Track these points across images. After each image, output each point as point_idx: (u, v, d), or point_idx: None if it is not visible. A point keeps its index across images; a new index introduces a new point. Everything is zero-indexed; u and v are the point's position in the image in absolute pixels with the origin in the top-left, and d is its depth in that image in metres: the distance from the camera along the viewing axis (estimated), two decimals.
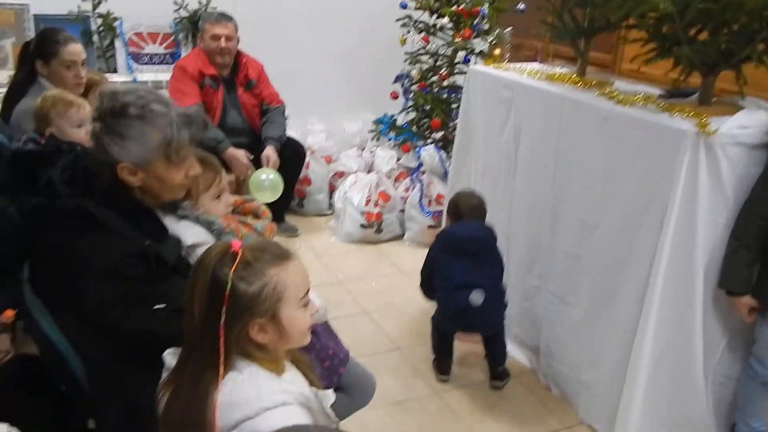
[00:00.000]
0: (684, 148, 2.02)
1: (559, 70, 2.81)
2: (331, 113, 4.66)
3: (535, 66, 2.96)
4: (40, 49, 2.68)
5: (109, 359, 1.54)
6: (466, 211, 2.68)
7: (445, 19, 4.05)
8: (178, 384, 1.27)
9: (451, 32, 4.09)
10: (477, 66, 3.14)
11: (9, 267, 1.86)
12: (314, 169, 4.29)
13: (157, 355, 1.37)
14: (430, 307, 3.29)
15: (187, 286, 1.25)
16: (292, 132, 4.06)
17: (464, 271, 2.56)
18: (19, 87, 2.69)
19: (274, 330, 1.25)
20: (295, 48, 4.51)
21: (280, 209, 3.87)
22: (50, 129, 2.19)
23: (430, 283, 2.75)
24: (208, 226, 1.69)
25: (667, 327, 2.16)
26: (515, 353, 2.90)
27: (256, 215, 1.89)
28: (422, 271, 2.79)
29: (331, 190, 4.37)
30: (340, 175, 4.36)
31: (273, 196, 3.42)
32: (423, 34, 4.16)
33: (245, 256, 1.23)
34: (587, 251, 2.43)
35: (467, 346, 2.90)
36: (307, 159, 4.15)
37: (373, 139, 4.61)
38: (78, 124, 2.21)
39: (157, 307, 1.50)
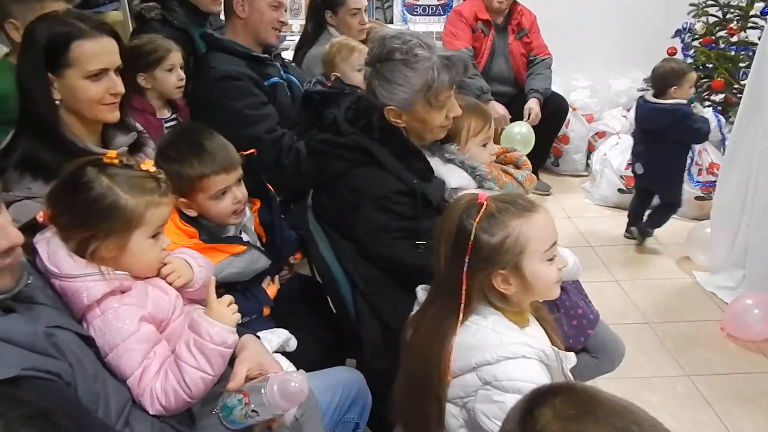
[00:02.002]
0: None
1: None
2: (598, 69, 4.43)
3: None
4: (329, 0, 2.92)
5: (372, 285, 1.69)
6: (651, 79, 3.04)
7: None
8: (422, 321, 1.35)
9: None
10: None
11: (294, 194, 2.12)
12: (574, 128, 4.15)
13: (412, 286, 1.46)
14: (689, 284, 3.06)
15: (435, 232, 1.31)
16: (554, 87, 3.94)
17: (635, 142, 3.25)
18: (309, 35, 2.97)
19: (517, 281, 1.26)
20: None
21: (533, 165, 3.80)
22: (335, 73, 2.40)
23: None
24: (472, 171, 1.73)
25: None
26: None
27: (517, 165, 1.89)
28: None
29: (590, 150, 4.20)
30: (601, 135, 4.16)
31: (524, 151, 3.37)
32: None
33: (490, 208, 1.24)
34: None
35: (738, 343, 2.65)
36: (567, 116, 4.01)
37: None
38: (359, 69, 2.39)
39: (418, 242, 1.60)
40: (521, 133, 3.35)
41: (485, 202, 1.25)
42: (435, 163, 1.73)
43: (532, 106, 3.65)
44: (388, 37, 1.64)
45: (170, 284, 1.26)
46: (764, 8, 3.58)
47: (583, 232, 3.56)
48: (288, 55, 3.00)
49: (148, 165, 1.26)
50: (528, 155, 3.40)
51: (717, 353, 2.59)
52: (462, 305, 1.26)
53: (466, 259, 1.23)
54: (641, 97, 3.20)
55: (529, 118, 3.55)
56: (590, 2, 4.39)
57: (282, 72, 2.45)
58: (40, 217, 1.20)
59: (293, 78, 2.49)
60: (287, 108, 2.37)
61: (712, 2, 3.80)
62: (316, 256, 1.77)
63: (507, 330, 1.27)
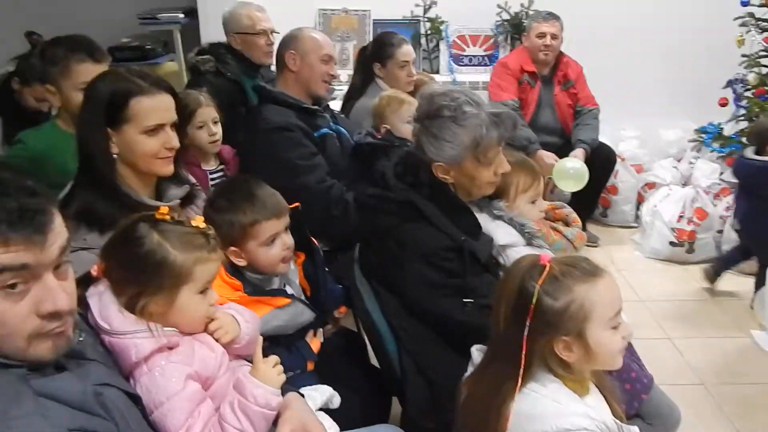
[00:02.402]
0: None
1: None
2: (647, 119, 4.36)
3: None
4: (377, 53, 2.97)
5: (418, 342, 1.66)
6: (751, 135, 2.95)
7: None
8: (479, 383, 1.31)
9: None
10: None
11: (342, 245, 2.12)
12: (623, 178, 4.08)
13: (462, 345, 1.43)
14: (746, 343, 2.93)
15: (496, 292, 1.29)
16: (603, 137, 3.90)
17: (735, 196, 3.21)
18: (358, 87, 3.02)
19: (580, 349, 1.21)
20: (616, 47, 4.30)
21: (581, 216, 3.73)
22: (385, 125, 2.42)
23: None
24: (521, 228, 1.72)
25: None
26: None
27: (567, 222, 1.86)
28: None
29: (639, 201, 4.12)
30: (651, 186, 4.08)
31: (576, 186, 3.32)
32: (766, 35, 3.66)
33: (553, 271, 1.21)
34: None
35: None
36: (616, 167, 3.96)
37: (693, 149, 4.21)
38: (408, 121, 2.40)
39: (466, 300, 1.58)
40: (575, 168, 3.30)
41: (548, 264, 1.22)
42: (483, 219, 1.72)
43: (581, 155, 3.61)
44: (436, 94, 1.66)
45: (217, 340, 1.27)
46: None
47: (633, 286, 3.45)
48: (336, 105, 3.06)
49: (199, 221, 1.28)
50: (575, 206, 3.37)
51: None
52: (521, 370, 1.21)
53: (528, 323, 1.20)
54: (740, 153, 3.14)
55: None
56: (639, 52, 4.36)
57: (331, 123, 2.48)
58: (94, 270, 1.22)
59: (342, 129, 2.53)
60: (337, 159, 2.40)
61: (765, 53, 3.74)
62: (362, 310, 1.76)
63: (567, 399, 1.22)
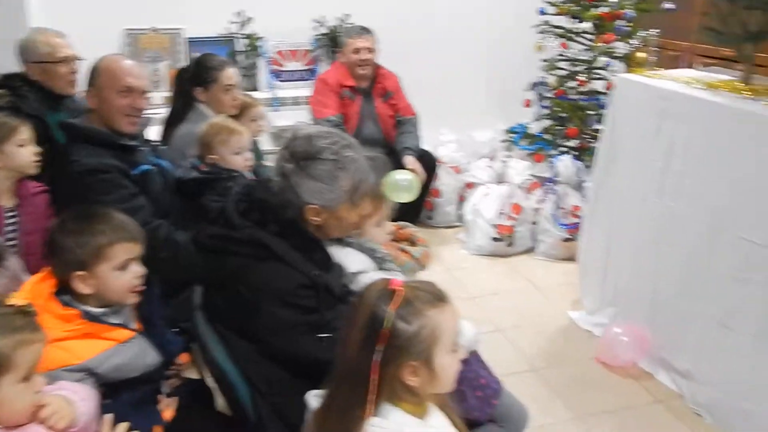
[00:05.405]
0: None
1: (718, 77, 2.62)
2: (462, 123, 4.59)
3: (690, 73, 2.79)
4: (199, 77, 2.82)
5: (275, 386, 1.60)
6: None
7: (586, 24, 3.90)
8: (325, 420, 1.28)
9: (591, 36, 3.94)
10: (626, 75, 2.99)
11: (175, 288, 2.00)
12: (444, 181, 4.25)
13: (319, 382, 1.40)
14: (567, 324, 3.20)
15: (345, 320, 1.27)
16: (422, 143, 4.06)
17: None
18: (178, 112, 2.84)
19: (425, 374, 1.23)
20: (427, 58, 4.52)
21: (409, 221, 3.88)
22: (212, 156, 2.31)
23: None
24: (371, 253, 1.72)
25: None
26: (662, 377, 2.75)
27: (412, 242, 1.89)
28: None
29: (461, 201, 4.31)
30: (470, 186, 4.29)
31: (409, 197, 3.39)
32: (561, 40, 4.03)
33: (405, 295, 1.22)
34: (756, 274, 2.25)
35: (616, 372, 2.80)
36: (437, 170, 4.13)
37: (504, 149, 4.52)
38: (237, 152, 2.32)
39: (321, 335, 1.54)
40: (406, 180, 3.37)
41: (400, 289, 1.22)
42: (333, 249, 1.69)
43: (412, 161, 3.72)
44: (315, 135, 1.62)
45: (51, 428, 1.12)
46: (608, 62, 3.91)
47: (463, 284, 3.62)
48: (155, 130, 2.87)
49: (17, 298, 1.13)
50: (403, 212, 3.45)
51: (601, 390, 2.71)
52: (373, 396, 1.21)
53: (379, 349, 1.19)
54: None
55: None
56: (451, 60, 4.61)
57: (152, 157, 2.31)
58: None
59: (164, 163, 2.36)
60: (161, 196, 2.24)
61: (561, 57, 4.10)
62: (209, 359, 1.66)
63: (412, 427, 1.24)
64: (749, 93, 2.34)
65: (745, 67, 2.47)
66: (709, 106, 2.42)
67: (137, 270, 1.58)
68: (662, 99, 2.64)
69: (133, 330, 1.57)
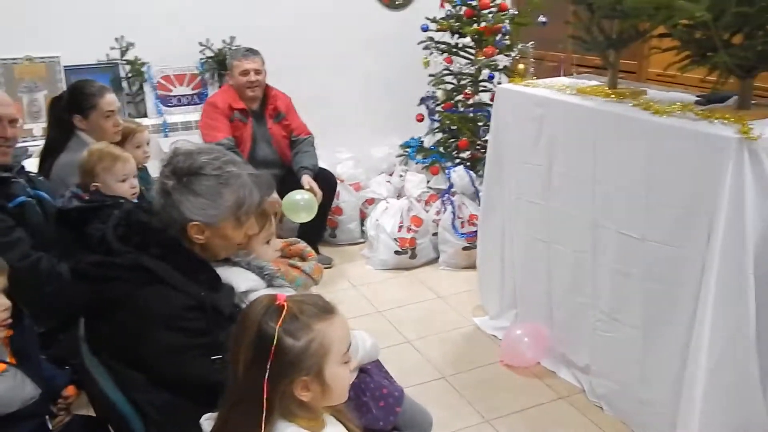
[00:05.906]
0: (728, 155, 1.98)
1: (589, 82, 2.79)
2: (358, 140, 4.66)
3: (563, 80, 2.94)
4: (76, 104, 2.71)
5: (169, 414, 1.54)
6: None
7: (467, 39, 4.05)
8: None
9: (473, 51, 4.09)
10: (505, 84, 3.12)
11: (63, 323, 1.90)
12: (345, 198, 4.29)
13: (215, 406, 1.36)
14: (472, 330, 3.27)
15: (231, 339, 1.24)
16: (321, 162, 4.08)
17: None
18: (57, 142, 2.72)
19: (317, 387, 1.22)
20: (318, 78, 4.54)
21: (313, 240, 3.86)
22: (95, 184, 2.21)
23: None
24: (260, 271, 1.70)
25: (721, 338, 2.10)
26: (564, 374, 2.85)
27: (303, 257, 1.89)
28: None
29: (363, 217, 4.36)
30: (371, 202, 4.35)
31: (308, 216, 3.42)
32: (445, 55, 4.16)
33: (291, 310, 1.20)
34: (635, 267, 2.38)
35: (521, 372, 2.89)
36: (337, 188, 4.15)
37: (401, 163, 4.60)
38: (122, 179, 2.24)
39: (214, 357, 1.50)
40: (304, 199, 3.39)
41: (285, 304, 1.21)
42: (221, 269, 1.66)
43: (309, 181, 3.72)
44: (196, 152, 1.59)
45: None
46: (490, 74, 4.07)
47: (369, 299, 3.66)
48: (33, 163, 2.73)
49: None
50: (305, 233, 3.45)
51: (508, 392, 2.79)
52: (264, 415, 1.17)
53: (268, 366, 1.16)
54: None
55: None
56: (340, 81, 4.65)
57: (28, 189, 2.20)
58: None
59: (43, 194, 2.25)
60: (41, 227, 2.14)
61: (447, 72, 4.24)
62: (96, 393, 1.57)
63: None
64: (614, 96, 2.50)
65: (610, 72, 2.64)
66: (580, 109, 2.56)
67: (2, 302, 1.51)
68: (538, 105, 2.77)
69: (4, 362, 1.47)
